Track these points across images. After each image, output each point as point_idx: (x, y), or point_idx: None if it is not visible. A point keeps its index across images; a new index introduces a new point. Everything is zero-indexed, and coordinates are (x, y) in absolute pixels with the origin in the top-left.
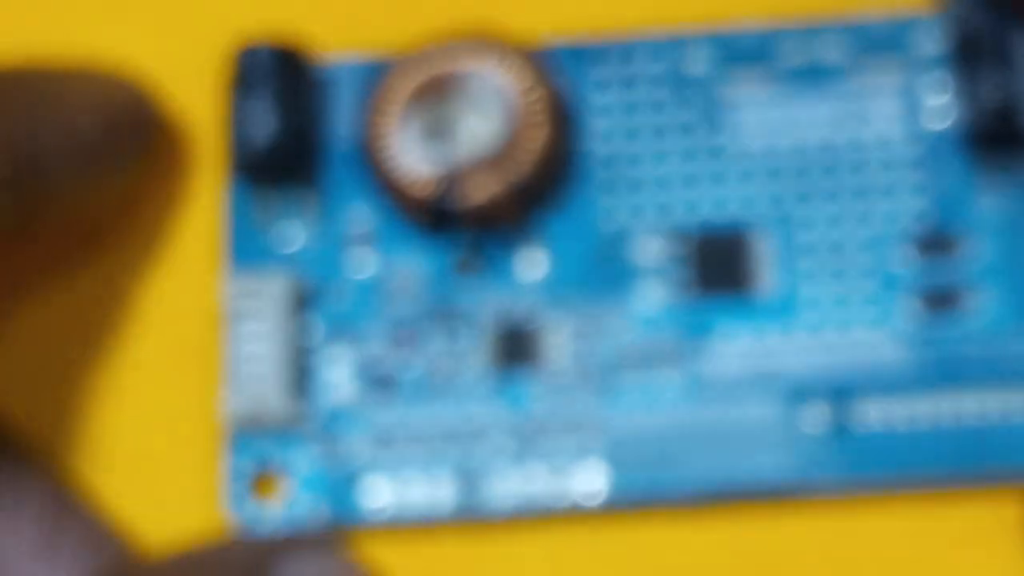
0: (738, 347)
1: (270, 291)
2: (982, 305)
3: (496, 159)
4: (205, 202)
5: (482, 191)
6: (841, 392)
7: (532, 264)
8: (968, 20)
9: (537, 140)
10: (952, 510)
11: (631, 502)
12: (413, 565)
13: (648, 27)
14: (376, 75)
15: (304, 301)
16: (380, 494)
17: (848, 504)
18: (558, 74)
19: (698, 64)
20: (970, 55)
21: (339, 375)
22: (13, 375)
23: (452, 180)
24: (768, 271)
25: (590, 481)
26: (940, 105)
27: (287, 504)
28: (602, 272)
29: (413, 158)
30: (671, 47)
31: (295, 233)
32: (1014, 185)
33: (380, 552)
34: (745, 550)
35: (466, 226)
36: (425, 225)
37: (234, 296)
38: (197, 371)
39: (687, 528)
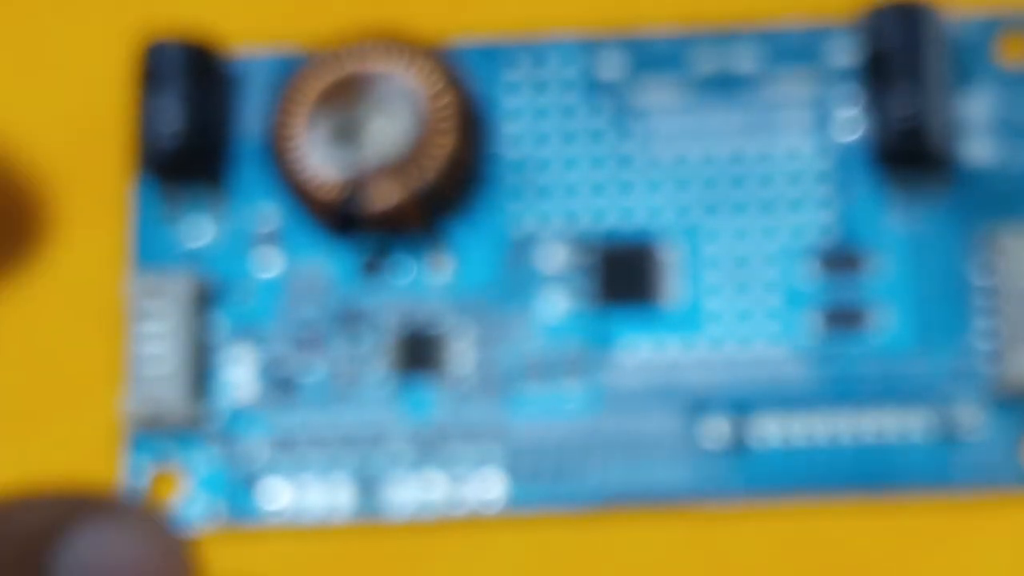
0: (640, 358)
1: (173, 290)
2: (884, 323)
3: (402, 165)
4: (112, 199)
5: (387, 197)
6: (741, 407)
7: (437, 269)
8: (881, 34)
9: (444, 147)
10: (845, 524)
11: (529, 512)
12: (307, 566)
13: (561, 29)
14: (287, 70)
15: (208, 299)
16: (278, 496)
17: (743, 515)
18: (469, 75)
19: (611, 69)
20: (881, 70)
21: (241, 375)
22: None
23: (358, 185)
24: (673, 283)
25: (489, 490)
26: (850, 118)
27: (185, 504)
28: (507, 279)
29: (320, 161)
30: (584, 50)
31: (201, 231)
32: (921, 203)
33: (274, 552)
34: (641, 557)
35: (372, 230)
36: (331, 228)
37: (137, 295)
38: (99, 368)
39: (583, 535)
